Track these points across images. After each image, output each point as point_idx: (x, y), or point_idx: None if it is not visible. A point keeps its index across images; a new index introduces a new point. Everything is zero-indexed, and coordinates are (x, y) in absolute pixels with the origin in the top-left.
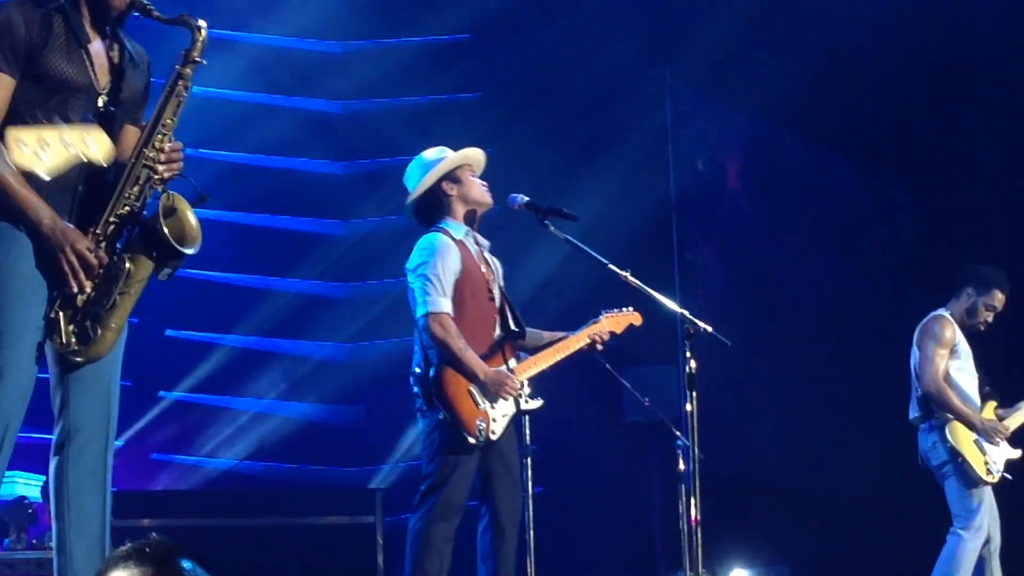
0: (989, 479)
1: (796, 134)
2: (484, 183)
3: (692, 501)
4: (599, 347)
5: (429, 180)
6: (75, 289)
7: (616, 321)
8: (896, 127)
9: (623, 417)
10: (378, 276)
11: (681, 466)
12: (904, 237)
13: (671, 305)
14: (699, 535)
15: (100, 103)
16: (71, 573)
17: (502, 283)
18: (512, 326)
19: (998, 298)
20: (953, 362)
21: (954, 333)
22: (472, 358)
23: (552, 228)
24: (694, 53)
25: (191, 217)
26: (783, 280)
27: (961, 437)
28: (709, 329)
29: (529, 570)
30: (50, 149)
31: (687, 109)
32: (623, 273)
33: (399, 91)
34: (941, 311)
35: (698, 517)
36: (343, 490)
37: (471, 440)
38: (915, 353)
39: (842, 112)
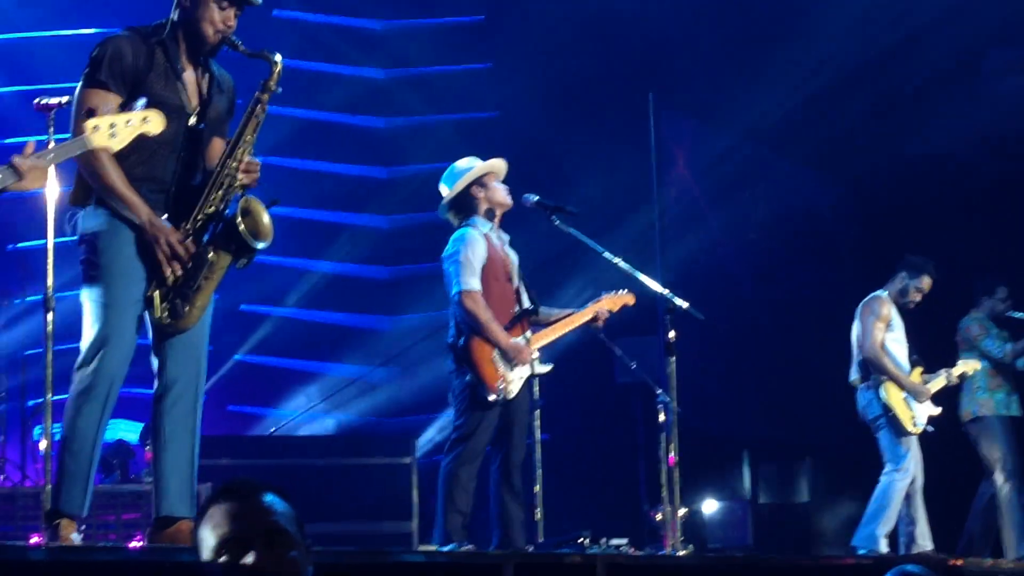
0: (914, 430)
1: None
2: (506, 187)
3: (670, 447)
4: (599, 323)
5: (460, 185)
6: (168, 273)
7: (613, 301)
8: (847, 142)
9: (614, 379)
10: (414, 261)
11: (662, 418)
12: (851, 231)
13: (655, 286)
14: (676, 475)
15: (191, 122)
16: (166, 502)
17: (519, 269)
18: (528, 304)
19: (926, 282)
20: (888, 334)
21: (890, 310)
22: (496, 328)
23: (558, 222)
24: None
25: (265, 217)
26: (742, 270)
27: (892, 395)
28: (685, 305)
29: (536, 502)
30: (117, 130)
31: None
32: (616, 260)
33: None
34: (880, 292)
35: (675, 460)
36: (384, 437)
37: (492, 398)
38: (857, 326)
39: (807, 125)
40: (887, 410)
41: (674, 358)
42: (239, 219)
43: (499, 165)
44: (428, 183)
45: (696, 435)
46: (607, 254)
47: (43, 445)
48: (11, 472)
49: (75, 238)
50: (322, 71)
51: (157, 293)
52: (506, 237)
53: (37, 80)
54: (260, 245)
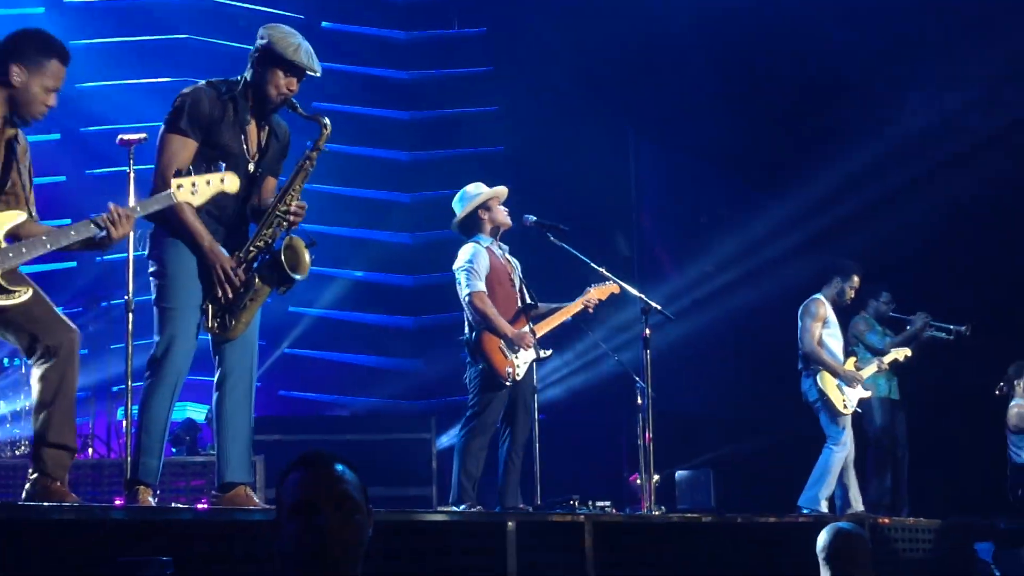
0: (845, 411)
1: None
2: (506, 209)
3: (647, 425)
4: (590, 310)
5: (469, 208)
6: (220, 294)
7: (601, 291)
8: (792, 166)
9: (599, 368)
10: (434, 270)
11: (639, 401)
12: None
13: (633, 291)
14: (651, 449)
15: (250, 168)
16: (227, 471)
17: (520, 273)
18: (528, 301)
19: (856, 280)
20: (825, 330)
21: (826, 310)
22: (502, 321)
23: (551, 237)
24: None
25: (305, 255)
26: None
27: (827, 382)
28: (659, 307)
29: (536, 469)
30: (198, 188)
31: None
32: (600, 269)
33: None
34: (817, 295)
35: (650, 436)
36: (408, 416)
37: (501, 381)
38: (799, 325)
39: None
40: (822, 395)
41: (649, 351)
42: (282, 254)
43: (501, 191)
44: (444, 206)
45: (667, 415)
46: (592, 264)
47: (124, 424)
48: (98, 446)
49: (145, 253)
50: (357, 113)
51: (211, 308)
52: (506, 247)
53: (117, 120)
54: (298, 277)
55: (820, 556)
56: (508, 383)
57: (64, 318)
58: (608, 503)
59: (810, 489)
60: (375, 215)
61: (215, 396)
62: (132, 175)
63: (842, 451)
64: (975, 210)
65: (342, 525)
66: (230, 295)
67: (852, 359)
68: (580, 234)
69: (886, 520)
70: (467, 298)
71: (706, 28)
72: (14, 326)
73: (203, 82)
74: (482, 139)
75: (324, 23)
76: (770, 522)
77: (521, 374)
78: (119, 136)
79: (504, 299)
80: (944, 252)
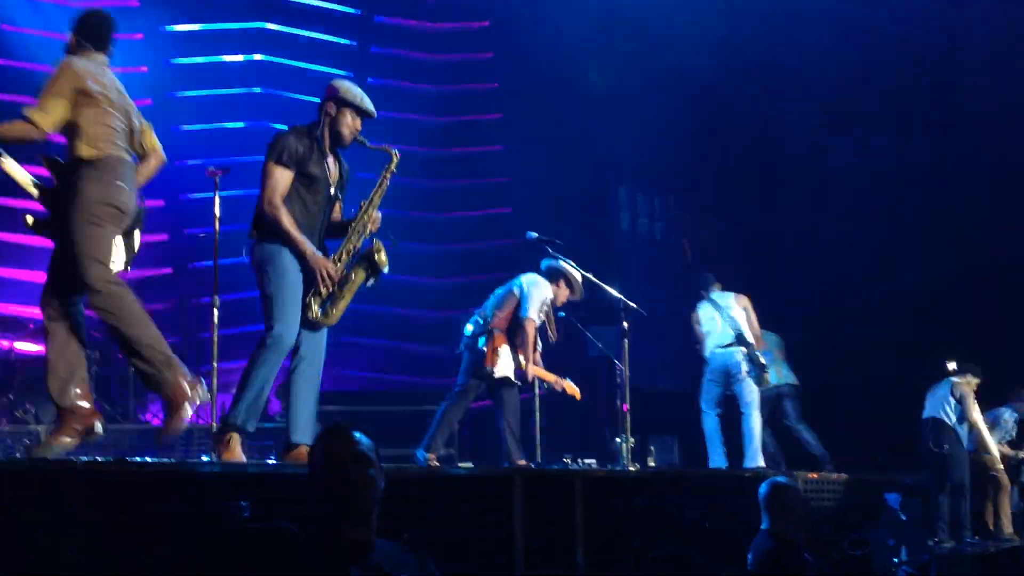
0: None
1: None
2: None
3: (625, 400)
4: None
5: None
6: (323, 289)
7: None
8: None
9: (588, 353)
10: (458, 275)
11: (619, 380)
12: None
13: (613, 292)
14: (628, 418)
15: (331, 191)
16: (294, 433)
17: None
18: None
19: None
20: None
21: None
22: (532, 350)
23: (550, 251)
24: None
25: (383, 254)
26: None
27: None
28: (635, 305)
29: (536, 433)
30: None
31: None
32: (588, 274)
33: None
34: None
35: (627, 407)
36: (432, 391)
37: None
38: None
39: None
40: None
41: (627, 340)
42: (376, 253)
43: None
44: (459, 224)
45: (641, 391)
46: (581, 270)
47: (209, 396)
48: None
49: (247, 259)
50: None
51: (313, 301)
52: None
53: (209, 156)
54: (385, 270)
55: (761, 504)
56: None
57: None
58: (594, 461)
59: (749, 449)
60: (410, 229)
61: (290, 373)
62: (217, 199)
63: (760, 415)
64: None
65: (359, 477)
66: (331, 288)
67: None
68: (573, 248)
69: (815, 475)
70: (528, 319)
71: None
72: None
73: (291, 128)
74: (491, 171)
75: (369, 79)
76: (722, 477)
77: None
78: (208, 169)
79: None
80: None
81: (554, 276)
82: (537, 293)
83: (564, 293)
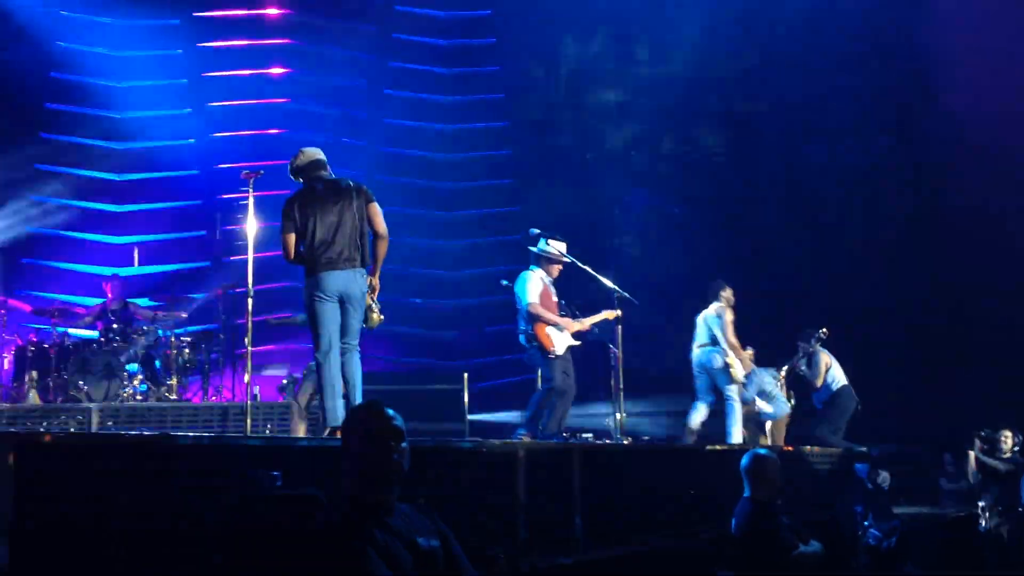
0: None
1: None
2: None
3: (619, 376)
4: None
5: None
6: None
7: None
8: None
9: (588, 336)
10: (471, 267)
11: (613, 363)
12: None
13: (608, 283)
14: (621, 396)
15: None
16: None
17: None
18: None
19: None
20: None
21: (732, 313)
22: (552, 316)
23: (550, 243)
24: None
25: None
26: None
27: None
28: (627, 295)
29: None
30: None
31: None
32: (585, 266)
33: None
34: (718, 304)
35: (621, 387)
36: (445, 372)
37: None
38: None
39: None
40: (726, 367)
41: (620, 326)
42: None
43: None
44: (474, 222)
45: (633, 372)
46: (578, 263)
47: (246, 378)
48: (226, 394)
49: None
50: (416, 155)
51: (374, 313)
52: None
53: (244, 160)
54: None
55: (742, 472)
56: (555, 356)
57: None
58: (591, 435)
59: (728, 424)
60: (426, 227)
61: (341, 360)
62: (251, 199)
63: (739, 402)
64: None
65: (396, 449)
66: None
67: (751, 351)
68: (574, 242)
69: (791, 448)
70: (527, 306)
71: None
72: None
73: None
74: (497, 172)
75: (386, 119)
76: (706, 449)
77: (563, 352)
78: (243, 171)
79: (551, 307)
80: None
81: (538, 261)
82: (527, 285)
83: (555, 268)
